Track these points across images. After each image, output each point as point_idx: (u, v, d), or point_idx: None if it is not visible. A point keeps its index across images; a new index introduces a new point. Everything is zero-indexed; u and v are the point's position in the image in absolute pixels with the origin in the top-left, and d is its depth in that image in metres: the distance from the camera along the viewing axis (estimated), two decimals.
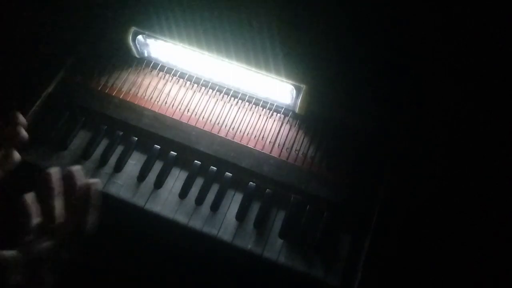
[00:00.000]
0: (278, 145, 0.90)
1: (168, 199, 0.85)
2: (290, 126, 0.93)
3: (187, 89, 0.96)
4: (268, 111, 0.94)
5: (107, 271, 0.91)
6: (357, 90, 0.85)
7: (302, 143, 0.90)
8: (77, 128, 0.90)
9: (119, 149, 0.89)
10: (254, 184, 0.87)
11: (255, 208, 0.85)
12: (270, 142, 0.90)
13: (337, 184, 0.85)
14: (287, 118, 0.93)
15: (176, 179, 0.87)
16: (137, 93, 0.94)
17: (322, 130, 0.91)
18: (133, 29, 0.88)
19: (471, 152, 0.87)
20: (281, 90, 0.89)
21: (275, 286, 0.84)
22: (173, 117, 0.91)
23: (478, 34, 0.77)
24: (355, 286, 0.77)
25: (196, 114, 0.92)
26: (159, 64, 0.97)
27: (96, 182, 0.61)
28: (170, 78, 0.97)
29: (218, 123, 0.91)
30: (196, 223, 0.82)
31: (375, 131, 0.89)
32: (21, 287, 0.52)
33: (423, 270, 0.83)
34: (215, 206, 0.84)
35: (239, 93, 0.95)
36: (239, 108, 0.94)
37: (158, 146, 0.89)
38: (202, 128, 0.90)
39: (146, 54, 0.97)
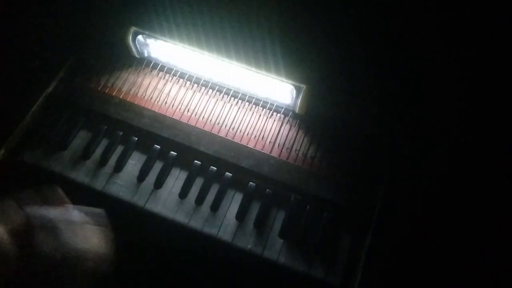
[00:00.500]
0: (278, 145, 0.90)
1: (168, 199, 0.85)
2: (290, 126, 0.93)
3: (187, 89, 0.96)
4: (268, 111, 0.94)
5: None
6: (357, 90, 0.85)
7: (302, 143, 0.90)
8: (77, 128, 0.90)
9: (119, 149, 0.89)
10: (254, 184, 0.87)
11: (255, 208, 0.85)
12: (270, 142, 0.90)
13: (337, 184, 0.85)
14: (287, 118, 0.93)
15: (176, 179, 0.87)
16: (137, 93, 0.94)
17: (322, 130, 0.91)
18: (133, 29, 0.88)
19: (471, 152, 0.87)
20: (281, 90, 0.89)
21: (275, 286, 0.84)
22: (173, 117, 0.91)
23: (478, 34, 0.77)
24: (355, 286, 0.77)
25: (196, 114, 0.92)
26: (159, 64, 0.97)
27: None
28: (170, 78, 0.97)
29: (218, 123, 0.91)
30: (196, 223, 0.82)
31: (375, 131, 0.89)
32: None
33: (423, 270, 0.83)
34: (215, 206, 0.84)
35: (239, 93, 0.95)
36: (239, 108, 0.94)
37: (158, 146, 0.89)
38: (202, 128, 0.90)
39: (146, 54, 0.97)
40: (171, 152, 0.89)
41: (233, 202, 0.86)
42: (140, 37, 0.90)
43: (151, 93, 0.94)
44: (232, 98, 0.95)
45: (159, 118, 0.90)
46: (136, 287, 0.93)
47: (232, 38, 0.83)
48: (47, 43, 0.95)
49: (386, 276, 0.81)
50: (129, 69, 0.97)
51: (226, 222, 0.83)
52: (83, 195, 0.85)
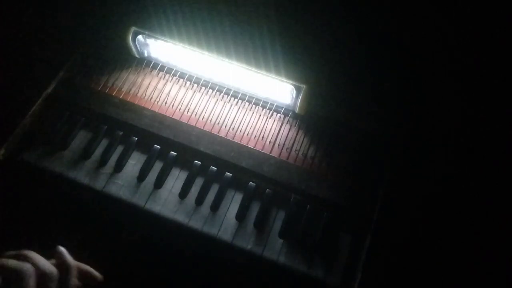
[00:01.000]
0: (278, 145, 0.90)
1: (168, 199, 0.85)
2: (290, 126, 0.93)
3: (187, 89, 0.96)
4: (268, 111, 0.94)
5: (107, 271, 0.91)
6: (357, 90, 0.85)
7: (302, 143, 0.90)
8: (77, 128, 0.90)
9: (119, 149, 0.89)
10: (254, 184, 0.87)
11: (255, 208, 0.85)
12: (270, 142, 0.90)
13: (337, 184, 0.85)
14: (287, 118, 0.93)
15: (176, 179, 0.87)
16: (137, 93, 0.94)
17: (322, 130, 0.91)
18: (133, 29, 0.88)
19: (471, 152, 0.87)
20: (281, 90, 0.89)
21: (275, 286, 0.84)
22: (173, 117, 0.91)
23: (478, 34, 0.77)
24: (355, 286, 0.77)
25: (196, 114, 0.92)
26: (159, 64, 0.97)
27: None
28: (170, 78, 0.97)
29: (218, 123, 0.91)
30: (196, 223, 0.82)
31: (375, 131, 0.89)
32: None
33: (423, 270, 0.83)
34: (215, 206, 0.84)
35: (239, 93, 0.95)
36: (239, 108, 0.94)
37: (158, 146, 0.89)
38: (202, 128, 0.90)
39: (146, 54, 0.97)
40: (171, 152, 0.89)
41: (233, 202, 0.86)
42: (140, 37, 0.90)
43: (151, 93, 0.94)
44: (232, 98, 0.95)
45: (159, 118, 0.90)
46: (136, 287, 0.93)
47: (232, 38, 0.83)
48: (47, 43, 0.95)
49: (386, 276, 0.81)
50: (129, 69, 0.97)
51: (226, 222, 0.83)
52: (83, 195, 0.86)
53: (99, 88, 0.93)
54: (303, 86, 0.84)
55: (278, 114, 0.94)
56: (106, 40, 0.96)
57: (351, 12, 0.81)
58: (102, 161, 0.87)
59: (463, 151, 0.87)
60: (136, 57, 0.97)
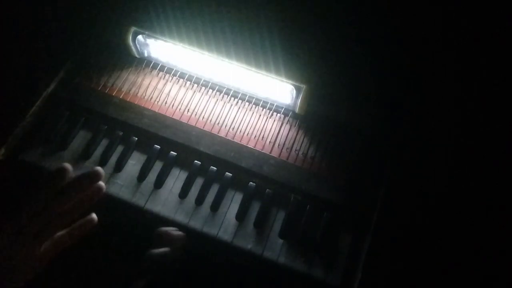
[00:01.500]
0: (278, 145, 0.90)
1: (168, 199, 0.85)
2: (290, 126, 0.93)
3: (187, 89, 0.96)
4: (268, 111, 0.94)
5: (107, 271, 0.91)
6: (357, 90, 0.85)
7: (302, 143, 0.90)
8: (77, 128, 0.90)
9: (119, 149, 0.89)
10: (254, 184, 0.87)
11: (255, 208, 0.85)
12: (270, 142, 0.90)
13: (337, 184, 0.85)
14: (287, 118, 0.93)
15: (176, 179, 0.87)
16: (137, 93, 0.94)
17: (322, 130, 0.91)
18: (133, 29, 0.88)
19: (471, 151, 0.87)
20: (281, 90, 0.89)
21: (275, 286, 0.84)
22: (173, 117, 0.91)
23: (478, 34, 0.77)
24: (355, 286, 0.77)
25: (196, 114, 0.92)
26: (159, 64, 0.97)
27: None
28: (170, 78, 0.97)
29: (218, 123, 0.91)
30: (196, 223, 0.82)
31: (375, 131, 0.89)
32: None
33: (423, 270, 0.83)
34: (215, 206, 0.84)
35: (239, 93, 0.95)
36: (239, 108, 0.94)
37: (158, 146, 0.89)
38: (202, 128, 0.90)
39: (146, 54, 0.97)
40: (171, 152, 0.89)
41: (233, 202, 0.86)
42: (140, 37, 0.90)
43: (151, 93, 0.94)
44: (232, 98, 0.95)
45: (159, 118, 0.90)
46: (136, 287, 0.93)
47: (232, 38, 0.83)
48: (47, 43, 0.95)
49: (386, 276, 0.81)
50: (129, 69, 0.97)
51: (226, 222, 0.83)
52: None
53: (99, 88, 0.93)
54: (303, 86, 0.84)
55: (278, 114, 0.94)
56: (106, 40, 0.96)
57: (351, 12, 0.81)
58: (102, 161, 0.87)
59: (463, 151, 0.87)
60: (136, 57, 0.97)
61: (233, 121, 0.92)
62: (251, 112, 0.94)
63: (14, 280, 0.52)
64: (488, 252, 0.84)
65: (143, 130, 0.89)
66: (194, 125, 0.90)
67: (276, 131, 0.92)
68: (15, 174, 0.86)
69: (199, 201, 0.85)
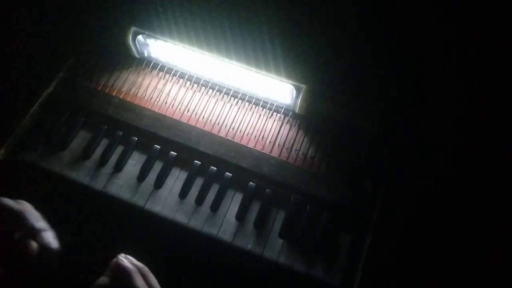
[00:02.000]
0: (278, 145, 0.90)
1: (168, 199, 0.85)
2: (290, 126, 0.93)
3: (187, 89, 0.96)
4: (268, 111, 0.94)
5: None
6: (357, 90, 0.85)
7: (302, 143, 0.90)
8: (77, 128, 0.90)
9: (119, 149, 0.89)
10: (254, 184, 0.87)
11: (255, 208, 0.85)
12: (270, 142, 0.90)
13: (337, 184, 0.85)
14: (287, 118, 0.93)
15: (176, 179, 0.87)
16: (137, 93, 0.94)
17: (322, 130, 0.91)
18: (133, 29, 0.88)
19: (471, 151, 0.87)
20: (281, 90, 0.89)
21: (275, 286, 0.84)
22: (173, 117, 0.91)
23: (479, 34, 0.77)
24: (355, 286, 0.77)
25: (196, 114, 0.92)
26: (159, 64, 0.97)
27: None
28: (170, 78, 0.97)
29: (218, 123, 0.91)
30: (196, 223, 0.82)
31: (375, 131, 0.89)
32: None
33: (423, 270, 0.83)
34: (215, 206, 0.84)
35: (239, 93, 0.95)
36: (239, 108, 0.94)
37: (158, 146, 0.89)
38: (202, 128, 0.90)
39: (146, 54, 0.97)
40: (171, 152, 0.89)
41: (233, 202, 0.86)
42: (140, 37, 0.90)
43: (151, 93, 0.94)
44: (232, 98, 0.95)
45: (159, 118, 0.90)
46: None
47: (232, 38, 0.83)
48: (47, 43, 0.95)
49: (386, 276, 0.81)
50: (129, 69, 0.97)
51: (226, 222, 0.83)
52: (83, 195, 0.86)
53: (99, 88, 0.93)
54: (303, 86, 0.84)
55: (278, 114, 0.94)
56: (106, 40, 0.96)
57: (351, 11, 0.81)
58: (102, 161, 0.87)
59: (463, 151, 0.87)
60: (136, 57, 0.97)
61: (233, 121, 0.92)
62: (251, 112, 0.94)
63: None
64: (488, 252, 0.84)
65: (143, 130, 0.89)
66: (194, 125, 0.90)
67: (276, 131, 0.92)
68: (15, 174, 0.86)
69: (199, 201, 0.85)
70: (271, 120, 0.93)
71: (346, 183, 0.85)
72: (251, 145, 0.89)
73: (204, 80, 0.96)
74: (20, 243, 0.54)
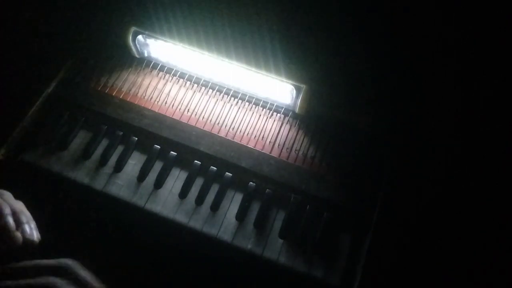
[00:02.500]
0: (278, 145, 0.90)
1: (168, 199, 0.85)
2: (290, 126, 0.93)
3: (187, 89, 0.96)
4: (268, 111, 0.94)
5: (107, 271, 0.91)
6: (357, 90, 0.85)
7: (302, 143, 0.90)
8: (77, 128, 0.90)
9: (119, 149, 0.89)
10: (254, 184, 0.87)
11: (255, 208, 0.85)
12: (270, 142, 0.90)
13: (337, 184, 0.85)
14: (287, 118, 0.93)
15: (176, 179, 0.87)
16: (137, 93, 0.94)
17: (322, 130, 0.91)
18: (133, 29, 0.88)
19: (471, 152, 0.87)
20: (281, 90, 0.89)
21: (275, 286, 0.84)
22: (173, 117, 0.91)
23: (479, 34, 0.77)
24: (355, 286, 0.77)
25: (196, 114, 0.92)
26: (159, 64, 0.97)
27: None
28: (170, 78, 0.97)
29: (218, 123, 0.91)
30: (196, 223, 0.82)
31: (375, 131, 0.89)
32: None
33: (423, 270, 0.83)
34: (215, 206, 0.84)
35: (239, 93, 0.95)
36: (239, 108, 0.94)
37: (158, 146, 0.89)
38: (202, 128, 0.90)
39: (146, 54, 0.97)
40: (171, 152, 0.89)
41: (233, 202, 0.86)
42: (140, 37, 0.90)
43: (151, 93, 0.94)
44: (232, 98, 0.95)
45: (159, 118, 0.90)
46: (136, 287, 0.93)
47: (232, 38, 0.83)
48: (47, 43, 0.95)
49: (386, 276, 0.81)
50: (129, 69, 0.97)
51: (226, 222, 0.83)
52: (83, 195, 0.86)
53: (99, 88, 0.93)
54: (303, 86, 0.84)
55: (278, 114, 0.94)
56: (106, 40, 0.96)
57: (351, 11, 0.81)
58: (102, 161, 0.87)
59: (463, 151, 0.87)
60: (136, 57, 0.97)
61: (233, 121, 0.92)
62: (251, 112, 0.94)
63: None
64: (488, 252, 0.84)
65: (143, 130, 0.89)
66: (194, 125, 0.90)
67: (276, 131, 0.92)
68: (15, 174, 0.86)
69: (199, 201, 0.85)
70: (271, 120, 0.93)
71: (346, 183, 0.85)
72: (251, 145, 0.89)
73: (204, 80, 0.96)
74: (3, 234, 0.53)
